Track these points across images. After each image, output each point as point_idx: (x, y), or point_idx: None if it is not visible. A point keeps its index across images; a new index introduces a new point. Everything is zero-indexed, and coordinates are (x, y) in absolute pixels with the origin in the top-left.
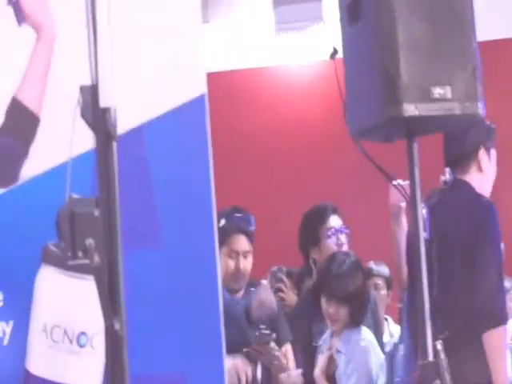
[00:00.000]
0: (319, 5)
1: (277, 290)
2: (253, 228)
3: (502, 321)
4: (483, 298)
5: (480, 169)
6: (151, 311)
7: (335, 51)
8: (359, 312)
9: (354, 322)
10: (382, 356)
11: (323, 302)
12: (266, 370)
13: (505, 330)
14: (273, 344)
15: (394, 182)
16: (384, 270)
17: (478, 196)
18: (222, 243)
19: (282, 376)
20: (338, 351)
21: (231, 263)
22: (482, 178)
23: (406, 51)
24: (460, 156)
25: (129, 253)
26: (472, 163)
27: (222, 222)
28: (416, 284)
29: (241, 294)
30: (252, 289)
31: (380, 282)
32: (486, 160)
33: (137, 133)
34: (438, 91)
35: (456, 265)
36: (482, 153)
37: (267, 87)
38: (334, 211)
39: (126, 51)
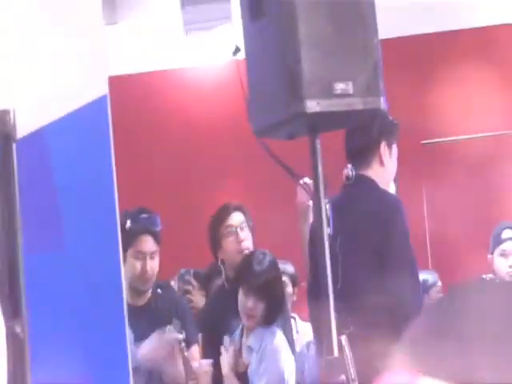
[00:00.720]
0: (228, 4)
1: (185, 292)
2: (159, 228)
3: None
4: (399, 300)
5: (382, 163)
6: (55, 316)
7: (237, 49)
8: (275, 310)
9: (268, 319)
10: (292, 357)
11: (241, 296)
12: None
13: None
14: (186, 354)
15: (301, 181)
16: (289, 267)
17: (384, 193)
18: (128, 245)
19: (194, 366)
20: (250, 348)
21: (138, 264)
22: (384, 172)
23: (308, 47)
24: (361, 150)
25: (30, 256)
26: (374, 157)
27: (128, 223)
28: (320, 279)
29: (147, 295)
30: (159, 290)
31: (285, 279)
32: (387, 154)
33: (38, 135)
34: (340, 86)
35: (362, 263)
36: (383, 147)
37: (177, 89)
38: (236, 209)
39: (24, 52)
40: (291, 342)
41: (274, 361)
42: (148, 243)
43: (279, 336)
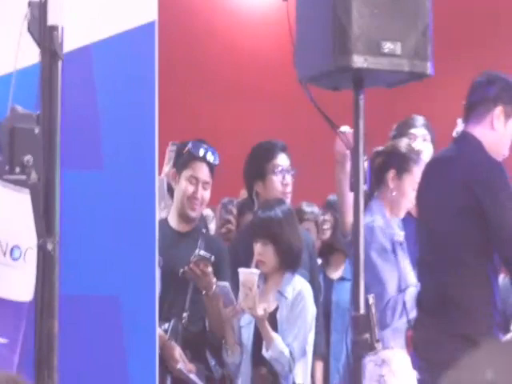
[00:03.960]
0: None
1: (226, 222)
2: (216, 162)
3: None
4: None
5: (492, 127)
6: (88, 233)
7: None
8: (286, 254)
9: (285, 265)
10: (315, 307)
11: (254, 245)
12: (196, 293)
13: None
14: (210, 269)
15: (341, 130)
16: (315, 211)
17: (483, 157)
18: (184, 167)
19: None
20: (280, 293)
21: (190, 188)
22: (493, 136)
23: (360, 3)
24: (475, 105)
25: (69, 173)
26: (485, 118)
27: (190, 145)
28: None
29: (192, 226)
30: (203, 230)
31: (310, 226)
32: (501, 120)
33: (84, 52)
34: (388, 46)
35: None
36: (499, 111)
37: (224, 16)
38: (283, 150)
39: None
40: (318, 288)
41: (304, 310)
42: (204, 172)
43: (307, 285)
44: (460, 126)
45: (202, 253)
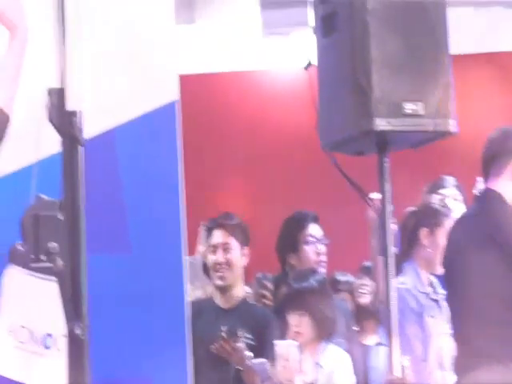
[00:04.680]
0: (305, 8)
1: (261, 297)
2: (231, 221)
3: None
4: None
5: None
6: (118, 316)
7: (309, 63)
8: (323, 324)
9: (321, 335)
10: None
11: (288, 317)
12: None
13: None
14: (241, 345)
15: (371, 196)
16: (350, 280)
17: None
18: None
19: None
20: (318, 365)
21: (211, 258)
22: None
23: (379, 65)
24: (493, 158)
25: (96, 256)
26: (505, 169)
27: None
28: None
29: (233, 299)
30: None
31: (345, 296)
32: None
33: (107, 137)
34: (410, 107)
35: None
36: None
37: (251, 91)
38: (315, 220)
39: (96, 54)
40: (356, 358)
41: (343, 379)
42: (218, 235)
43: (344, 353)
44: (481, 184)
45: (227, 329)
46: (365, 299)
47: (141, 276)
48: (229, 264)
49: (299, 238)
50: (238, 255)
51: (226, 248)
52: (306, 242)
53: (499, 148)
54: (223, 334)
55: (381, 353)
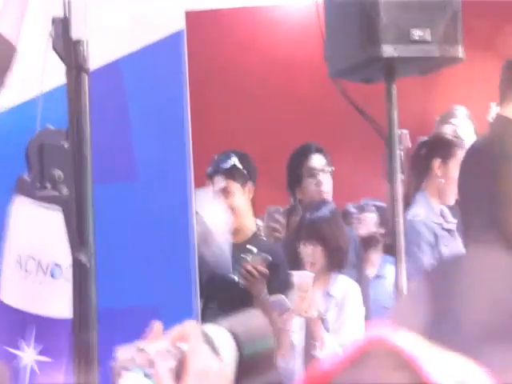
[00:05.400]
0: None
1: (273, 230)
2: (228, 165)
3: None
4: None
5: None
6: (124, 245)
7: None
8: (336, 255)
9: (334, 265)
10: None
11: (301, 248)
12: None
13: None
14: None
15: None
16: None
17: None
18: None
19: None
20: (329, 295)
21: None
22: None
23: None
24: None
25: (101, 186)
26: None
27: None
28: None
29: (246, 235)
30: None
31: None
32: None
33: (113, 67)
34: (417, 33)
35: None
36: None
37: (262, 26)
38: (318, 151)
39: None
40: (365, 284)
41: (353, 310)
42: (217, 181)
43: (354, 284)
44: (494, 110)
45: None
46: (364, 230)
47: (147, 203)
48: (231, 209)
49: (302, 171)
50: (240, 196)
51: (226, 193)
52: (307, 176)
53: None
54: (248, 258)
55: (381, 285)
